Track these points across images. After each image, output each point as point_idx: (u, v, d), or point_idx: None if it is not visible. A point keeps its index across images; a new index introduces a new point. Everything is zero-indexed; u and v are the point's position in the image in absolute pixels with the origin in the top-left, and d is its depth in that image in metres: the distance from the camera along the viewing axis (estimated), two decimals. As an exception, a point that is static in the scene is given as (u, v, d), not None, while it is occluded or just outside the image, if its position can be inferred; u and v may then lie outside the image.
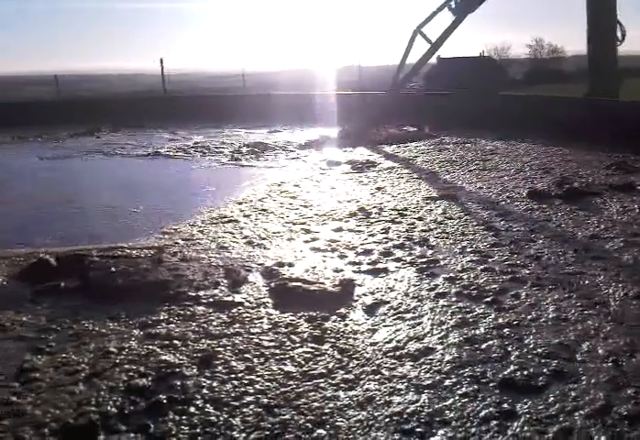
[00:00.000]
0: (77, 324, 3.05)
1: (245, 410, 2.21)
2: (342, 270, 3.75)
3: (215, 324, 2.97)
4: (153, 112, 14.48)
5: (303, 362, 2.55)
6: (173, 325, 2.96)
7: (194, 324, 2.97)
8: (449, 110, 11.24)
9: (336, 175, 7.13)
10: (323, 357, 2.59)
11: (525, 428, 2.12)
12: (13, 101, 17.99)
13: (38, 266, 3.88)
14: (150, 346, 2.74)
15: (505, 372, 2.45)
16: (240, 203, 5.72)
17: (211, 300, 3.29)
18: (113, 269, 3.75)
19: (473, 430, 2.12)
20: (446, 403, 2.27)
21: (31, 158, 9.36)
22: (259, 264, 3.89)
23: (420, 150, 8.74)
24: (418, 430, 2.12)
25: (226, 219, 5.12)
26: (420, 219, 4.92)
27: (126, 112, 14.45)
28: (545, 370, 2.44)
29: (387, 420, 2.18)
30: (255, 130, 12.13)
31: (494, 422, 2.16)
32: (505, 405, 2.24)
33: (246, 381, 2.40)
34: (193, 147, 9.91)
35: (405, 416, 2.20)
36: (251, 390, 2.33)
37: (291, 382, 2.39)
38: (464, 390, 2.35)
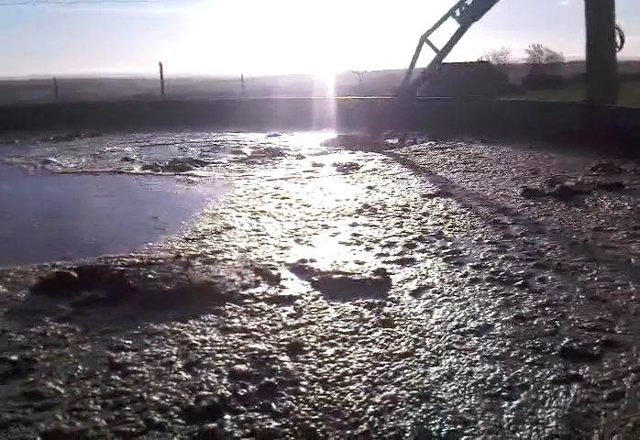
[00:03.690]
0: (141, 325, 3.12)
1: (352, 387, 2.45)
2: (374, 261, 4.03)
3: (284, 316, 3.17)
4: (149, 115, 14.57)
5: (385, 344, 2.81)
6: (245, 320, 3.14)
7: (265, 317, 3.17)
8: (440, 116, 11.60)
9: (324, 176, 7.37)
10: (401, 339, 2.86)
11: (589, 390, 2.44)
12: (10, 105, 17.52)
13: (60, 279, 3.80)
14: (232, 338, 2.92)
15: (563, 343, 2.79)
16: (245, 207, 5.87)
17: (267, 296, 3.47)
18: (150, 276, 3.76)
19: (548, 391, 2.44)
20: (520, 371, 2.59)
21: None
22: (292, 260, 4.07)
23: (402, 154, 9.09)
24: (504, 394, 2.43)
25: (227, 225, 5.14)
26: (426, 214, 5.26)
27: (121, 116, 14.56)
28: (597, 341, 2.80)
29: (474, 387, 2.47)
30: (249, 134, 12.25)
31: (564, 384, 2.49)
32: (571, 371, 2.58)
33: (341, 363, 2.64)
34: (175, 154, 9.93)
35: (488, 383, 2.50)
36: (350, 371, 2.57)
37: (382, 362, 2.64)
38: (530, 359, 2.68)
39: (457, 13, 9.41)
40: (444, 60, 10.20)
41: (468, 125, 10.81)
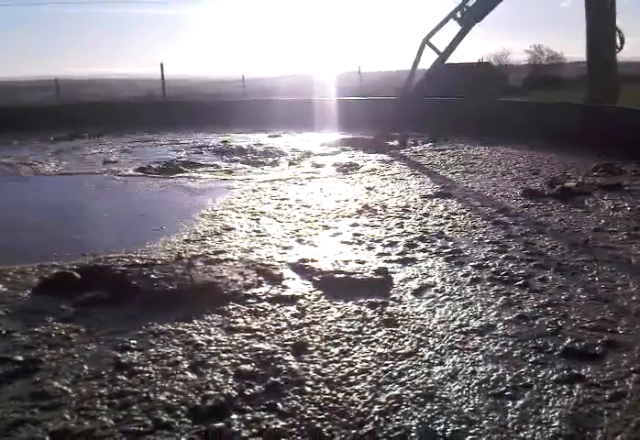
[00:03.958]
0: (145, 325, 3.12)
1: (357, 387, 2.46)
2: (376, 261, 4.05)
3: (288, 315, 3.19)
4: (150, 116, 14.64)
5: (389, 343, 2.83)
6: (249, 320, 3.15)
7: (269, 317, 3.18)
8: (440, 117, 11.60)
9: (324, 177, 7.38)
10: (404, 338, 2.88)
11: (591, 390, 2.47)
12: (11, 106, 17.59)
13: (61, 279, 3.77)
14: (237, 338, 2.93)
15: (565, 343, 2.82)
16: (246, 209, 5.89)
17: (270, 296, 3.48)
18: (153, 276, 3.74)
19: (551, 391, 2.46)
20: (523, 370, 2.61)
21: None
22: (294, 260, 4.09)
23: (402, 155, 9.09)
24: (508, 393, 2.44)
25: (227, 226, 5.15)
26: (427, 215, 5.28)
27: (122, 116, 14.65)
28: (599, 341, 2.82)
29: (478, 387, 2.49)
30: (249, 135, 12.20)
31: (567, 384, 2.51)
32: (574, 370, 2.60)
33: (346, 363, 2.65)
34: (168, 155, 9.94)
35: (492, 383, 2.52)
36: (355, 371, 2.59)
37: (387, 362, 2.66)
38: (533, 358, 2.70)
39: (459, 15, 9.34)
40: (445, 62, 10.14)
41: (468, 126, 10.81)
